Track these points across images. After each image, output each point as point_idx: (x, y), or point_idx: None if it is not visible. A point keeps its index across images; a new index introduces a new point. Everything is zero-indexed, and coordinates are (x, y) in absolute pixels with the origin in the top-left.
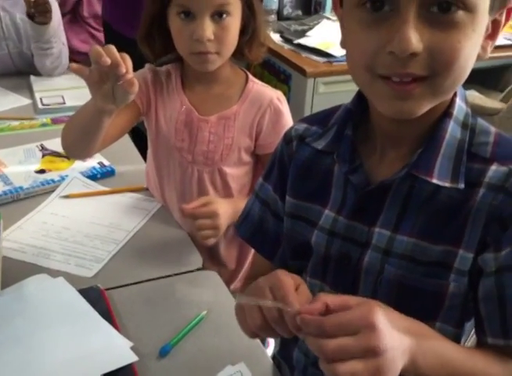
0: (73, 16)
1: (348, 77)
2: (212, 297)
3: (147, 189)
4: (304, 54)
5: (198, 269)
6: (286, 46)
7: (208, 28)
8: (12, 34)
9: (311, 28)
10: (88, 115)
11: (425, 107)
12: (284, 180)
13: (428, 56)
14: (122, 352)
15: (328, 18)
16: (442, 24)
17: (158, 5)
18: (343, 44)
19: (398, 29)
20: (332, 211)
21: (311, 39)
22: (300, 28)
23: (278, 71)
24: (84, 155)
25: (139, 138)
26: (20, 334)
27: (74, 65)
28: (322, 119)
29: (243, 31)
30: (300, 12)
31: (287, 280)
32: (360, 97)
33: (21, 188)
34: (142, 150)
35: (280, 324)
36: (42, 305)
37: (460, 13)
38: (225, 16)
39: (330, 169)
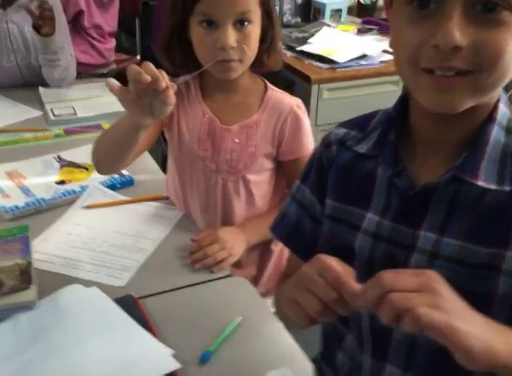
0: (73, 27)
1: (351, 82)
2: (245, 303)
3: (167, 197)
4: (307, 61)
5: (228, 276)
6: (289, 53)
7: (231, 36)
8: (21, 46)
9: (312, 35)
10: (123, 130)
11: (466, 103)
12: (323, 183)
13: (472, 52)
14: (164, 359)
15: (328, 25)
16: (487, 23)
17: (179, 15)
18: (391, 42)
19: (442, 24)
20: (375, 214)
21: (314, 46)
22: (301, 35)
23: (282, 78)
24: (115, 170)
25: None
26: (60, 345)
27: (114, 86)
28: (360, 124)
29: (262, 39)
30: (299, 20)
31: (333, 261)
32: (402, 102)
33: (43, 199)
34: None
35: (340, 304)
36: (79, 316)
37: (506, 13)
38: (246, 23)
39: (372, 173)
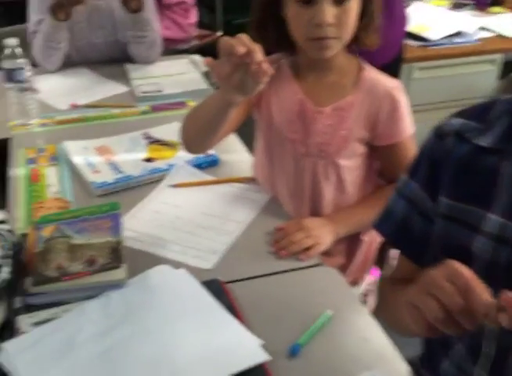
0: (156, 3)
1: (445, 61)
2: (334, 294)
3: (254, 179)
4: None
5: (316, 265)
6: None
7: (329, 12)
8: (109, 22)
9: None
10: (213, 108)
11: None
12: (435, 178)
13: None
14: (252, 350)
15: None
16: None
17: None
18: None
19: None
20: (498, 215)
21: None
22: None
23: None
24: (204, 149)
25: None
26: (148, 327)
27: (209, 60)
28: (479, 114)
29: (360, 15)
30: None
31: (466, 269)
32: None
33: (132, 176)
34: None
35: (465, 314)
36: (168, 298)
37: None
38: None
39: (495, 168)
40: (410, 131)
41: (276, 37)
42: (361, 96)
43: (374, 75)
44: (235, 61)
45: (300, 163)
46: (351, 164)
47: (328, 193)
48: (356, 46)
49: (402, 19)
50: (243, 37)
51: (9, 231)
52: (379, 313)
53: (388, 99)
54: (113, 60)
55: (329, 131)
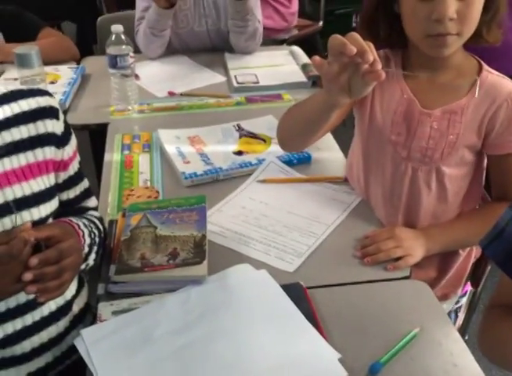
0: None
1: None
2: (424, 312)
3: (346, 179)
4: None
5: (405, 277)
6: None
7: (451, 6)
8: (212, 11)
9: None
10: (315, 108)
11: None
12: None
13: None
14: (330, 364)
15: None
16: None
17: None
18: None
19: None
20: None
21: None
22: None
23: None
24: (299, 148)
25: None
26: (226, 327)
27: (317, 59)
28: None
29: (484, 8)
30: None
31: None
32: None
33: (221, 169)
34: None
35: None
36: (247, 299)
37: None
38: None
39: None
40: None
41: (388, 34)
42: (477, 100)
43: (495, 78)
44: (344, 61)
45: (400, 167)
46: (457, 173)
47: (427, 201)
48: (476, 43)
49: None
50: (355, 36)
51: (100, 218)
52: (482, 345)
53: (508, 105)
54: (214, 49)
55: (436, 135)
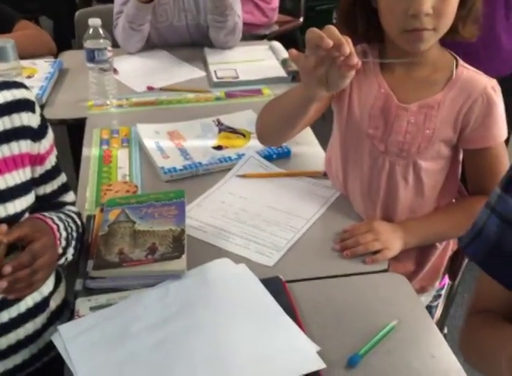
0: None
1: None
2: (402, 305)
3: (325, 174)
4: None
5: (383, 271)
6: None
7: (427, 1)
8: (192, 5)
9: None
10: (294, 102)
11: None
12: None
13: None
14: (309, 356)
15: None
16: None
17: None
18: None
19: None
20: None
21: None
22: None
23: None
24: (278, 142)
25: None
26: (204, 322)
27: (294, 52)
28: None
29: (460, 3)
30: None
31: None
32: None
33: (200, 164)
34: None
35: None
36: (226, 293)
37: None
38: None
39: None
40: (503, 137)
41: (366, 29)
42: (453, 94)
43: (470, 73)
44: (321, 54)
45: (377, 161)
46: (434, 167)
47: (404, 195)
48: (452, 38)
49: None
50: (332, 29)
51: (77, 213)
52: (465, 352)
53: (483, 100)
54: (193, 44)
55: (413, 129)
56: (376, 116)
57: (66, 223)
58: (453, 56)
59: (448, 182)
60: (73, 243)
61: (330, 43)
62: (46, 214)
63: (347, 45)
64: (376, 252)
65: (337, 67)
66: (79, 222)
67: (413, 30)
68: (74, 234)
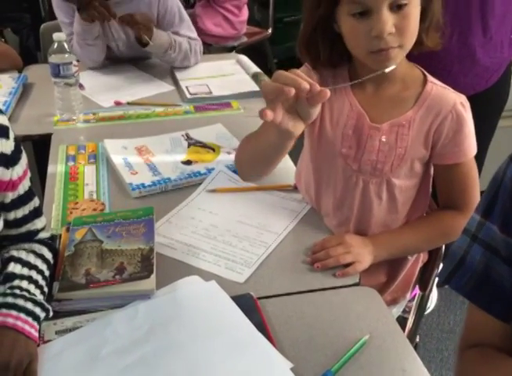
0: (207, 0)
1: None
2: (373, 319)
3: (295, 187)
4: None
5: (354, 285)
6: None
7: (388, 21)
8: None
9: None
10: (272, 142)
11: None
12: None
13: None
14: (282, 373)
15: None
16: None
17: (325, 7)
18: None
19: None
20: None
21: None
22: None
23: None
24: (260, 178)
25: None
26: (176, 343)
27: (269, 113)
28: None
29: (421, 16)
30: None
31: None
32: None
33: (169, 179)
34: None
35: None
36: (196, 312)
37: None
38: (404, 4)
39: None
40: (473, 152)
41: (329, 55)
42: (422, 112)
43: (439, 89)
44: (282, 100)
45: (351, 179)
46: (407, 184)
47: (378, 213)
48: (418, 50)
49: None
50: (283, 75)
51: (49, 242)
52: None
53: (453, 116)
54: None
55: (385, 148)
56: (349, 135)
57: (41, 288)
58: (421, 71)
59: (420, 197)
60: (46, 289)
61: (293, 91)
62: (20, 314)
63: (305, 82)
64: (346, 265)
65: (305, 100)
66: (50, 256)
67: (379, 50)
68: (47, 278)
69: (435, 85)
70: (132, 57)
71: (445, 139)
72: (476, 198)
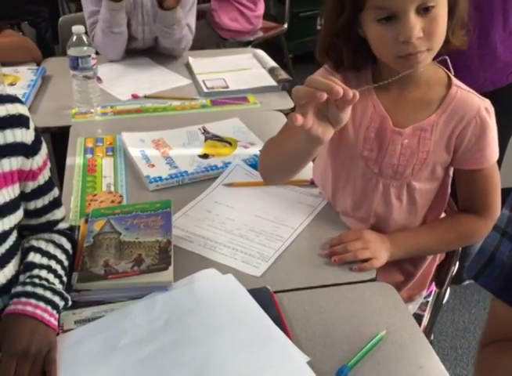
0: None
1: None
2: (390, 314)
3: (312, 182)
4: None
5: (371, 280)
6: None
7: (416, 26)
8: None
9: None
10: (299, 148)
11: None
12: None
13: None
14: (299, 367)
15: None
16: None
17: (348, 13)
18: None
19: None
20: None
21: None
22: None
23: None
24: (283, 182)
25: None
26: (193, 335)
27: (299, 118)
28: None
29: (449, 16)
30: None
31: None
32: None
33: (186, 173)
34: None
35: None
36: (213, 305)
37: None
38: (431, 7)
39: None
40: (495, 158)
41: (353, 59)
42: (446, 116)
43: (464, 93)
44: (313, 105)
45: (370, 182)
46: (428, 188)
47: (398, 215)
48: (445, 49)
49: None
50: (315, 80)
51: (68, 232)
52: None
53: (477, 122)
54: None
55: (407, 152)
56: (371, 138)
57: (59, 278)
58: (446, 72)
59: (439, 199)
60: (65, 279)
61: (324, 95)
62: (40, 303)
63: (338, 86)
64: (363, 261)
65: (335, 105)
66: (69, 246)
67: (407, 55)
68: (67, 267)
69: (460, 89)
70: (151, 47)
71: (468, 145)
72: (496, 203)
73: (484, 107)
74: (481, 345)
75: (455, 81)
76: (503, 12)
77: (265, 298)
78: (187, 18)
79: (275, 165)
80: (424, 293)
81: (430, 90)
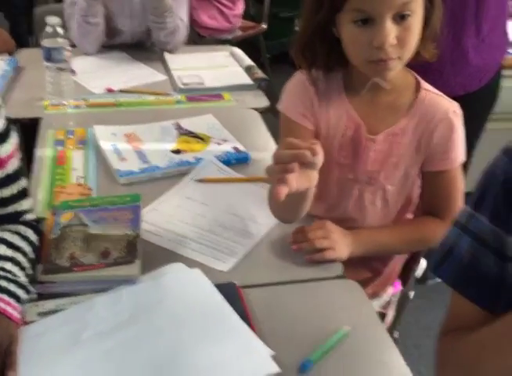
0: None
1: None
2: (355, 311)
3: None
4: None
5: (338, 277)
6: None
7: (391, 33)
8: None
9: None
10: (296, 198)
11: None
12: (510, 208)
13: None
14: (263, 361)
15: None
16: None
17: (325, 13)
18: None
19: None
20: None
21: None
22: None
23: None
24: (298, 219)
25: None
26: (157, 328)
27: (283, 191)
28: None
29: (424, 27)
30: None
31: None
32: None
33: (158, 167)
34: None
35: None
36: (179, 298)
37: None
38: (407, 15)
39: None
40: (461, 160)
41: (326, 59)
42: (416, 120)
43: (433, 96)
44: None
45: (345, 187)
46: (400, 190)
47: (372, 218)
48: (414, 60)
49: (501, 45)
50: (290, 142)
51: (35, 224)
52: (450, 366)
53: (445, 124)
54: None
55: (379, 158)
56: (346, 145)
57: (24, 271)
58: (415, 76)
59: (409, 199)
60: (31, 272)
61: (295, 166)
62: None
63: (303, 151)
64: (321, 250)
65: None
66: (34, 238)
67: (378, 60)
68: (32, 260)
69: (428, 92)
70: (140, 41)
71: (436, 147)
72: (458, 207)
73: (453, 110)
74: (442, 334)
75: (424, 84)
76: (475, 20)
77: (231, 292)
78: (179, 11)
79: (283, 213)
80: (390, 290)
81: (401, 95)
